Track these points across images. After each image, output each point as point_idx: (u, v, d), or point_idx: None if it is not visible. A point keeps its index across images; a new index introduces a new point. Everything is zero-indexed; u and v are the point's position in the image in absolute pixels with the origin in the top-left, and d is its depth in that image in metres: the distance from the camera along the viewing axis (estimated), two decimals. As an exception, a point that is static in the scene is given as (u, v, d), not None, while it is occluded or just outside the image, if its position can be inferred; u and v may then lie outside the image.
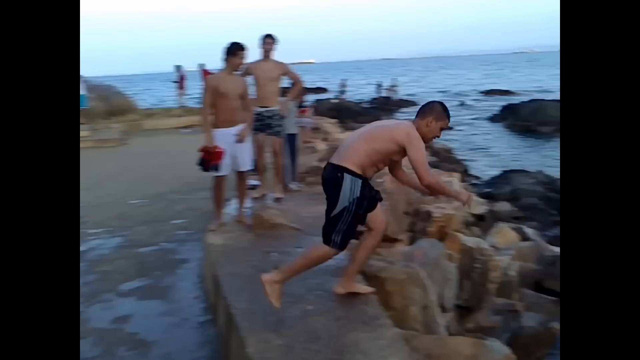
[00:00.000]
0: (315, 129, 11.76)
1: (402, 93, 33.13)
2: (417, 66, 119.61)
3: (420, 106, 3.23)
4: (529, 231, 7.58)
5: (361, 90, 38.10)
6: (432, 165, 10.19)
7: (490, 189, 10.24)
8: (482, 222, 7.55)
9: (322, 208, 5.43)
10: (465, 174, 11.54)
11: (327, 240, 3.00)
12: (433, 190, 3.09)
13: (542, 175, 11.06)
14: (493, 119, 22.98)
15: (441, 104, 3.21)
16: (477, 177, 11.74)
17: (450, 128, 3.75)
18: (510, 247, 6.68)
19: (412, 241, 5.13)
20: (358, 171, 2.99)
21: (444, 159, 11.82)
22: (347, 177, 2.96)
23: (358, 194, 2.97)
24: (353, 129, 14.67)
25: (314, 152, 9.32)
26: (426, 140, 3.06)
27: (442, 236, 5.36)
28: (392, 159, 3.13)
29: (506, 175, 11.06)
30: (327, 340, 2.61)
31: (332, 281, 3.24)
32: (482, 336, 4.15)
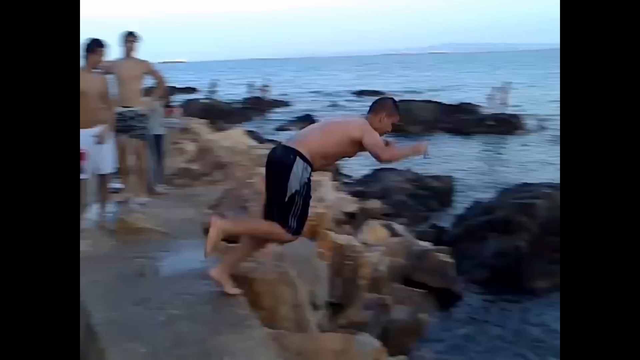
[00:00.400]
0: (184, 130, 11.50)
1: (274, 93, 33.48)
2: (290, 66, 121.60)
3: (372, 102, 3.46)
4: (398, 227, 8.08)
5: (233, 90, 37.88)
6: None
7: (362, 188, 10.74)
8: (353, 220, 7.90)
9: (191, 211, 5.41)
10: (336, 173, 11.99)
11: (283, 224, 3.07)
12: (392, 162, 3.37)
13: (410, 173, 11.82)
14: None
15: (392, 99, 3.44)
16: (348, 176, 12.25)
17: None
18: (380, 244, 7.08)
19: (283, 241, 5.25)
20: (309, 159, 3.08)
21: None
22: (299, 161, 3.05)
23: (306, 180, 3.08)
24: (224, 129, 14.56)
25: (183, 153, 9.12)
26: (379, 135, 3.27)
27: (313, 235, 5.55)
28: (346, 153, 3.29)
29: (376, 173, 11.66)
30: (193, 345, 2.61)
31: (199, 284, 3.23)
32: (353, 331, 4.39)
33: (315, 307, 4.51)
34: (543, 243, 7.63)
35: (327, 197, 7.05)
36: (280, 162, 3.11)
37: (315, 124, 3.46)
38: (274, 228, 3.11)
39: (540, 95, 33.37)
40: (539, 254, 7.42)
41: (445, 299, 6.60)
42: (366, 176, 11.85)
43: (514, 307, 6.72)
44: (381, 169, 11.90)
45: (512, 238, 7.49)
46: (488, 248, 7.54)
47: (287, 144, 3.17)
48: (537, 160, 15.32)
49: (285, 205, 3.06)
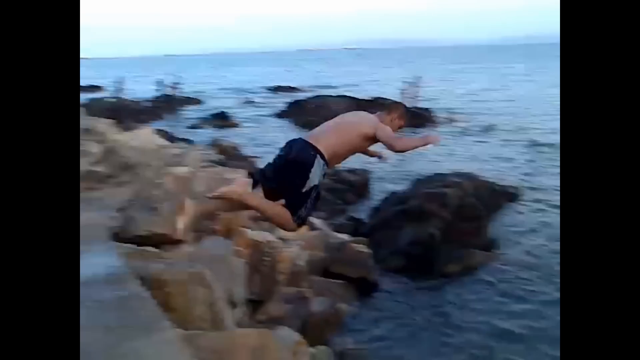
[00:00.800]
0: (88, 131, 10.97)
1: (186, 90, 32.69)
2: (202, 63, 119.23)
3: (386, 103, 3.78)
4: (316, 221, 8.17)
5: (141, 88, 36.60)
6: (219, 163, 10.33)
7: (279, 184, 10.76)
8: (270, 216, 7.91)
9: (95, 215, 5.17)
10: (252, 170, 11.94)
11: (292, 212, 3.14)
12: (405, 151, 3.44)
13: (326, 167, 11.98)
14: (280, 115, 24.12)
15: (405, 106, 3.78)
16: (266, 174, 12.23)
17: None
18: (298, 238, 7.13)
19: (197, 241, 5.16)
20: (326, 157, 3.22)
21: (232, 157, 12.04)
22: (319, 159, 3.17)
23: (322, 177, 3.22)
24: (132, 129, 14.04)
25: (87, 155, 8.69)
26: None
27: (229, 233, 5.50)
28: (358, 149, 3.48)
29: (294, 169, 11.71)
30: (100, 354, 2.50)
31: (104, 290, 3.10)
32: (272, 326, 4.40)
33: (233, 305, 4.47)
34: (455, 229, 8.02)
35: (243, 194, 6.98)
36: (301, 156, 3.22)
37: (329, 122, 3.58)
38: (285, 215, 3.19)
39: (450, 90, 34.86)
40: (451, 240, 7.78)
41: (364, 288, 6.78)
42: (283, 172, 11.86)
43: (431, 292, 7.00)
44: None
45: (425, 226, 7.80)
46: (403, 237, 7.80)
47: (309, 140, 3.28)
48: (447, 152, 16.00)
49: (302, 196, 3.17)
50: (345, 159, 3.54)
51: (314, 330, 5.17)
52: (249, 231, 5.63)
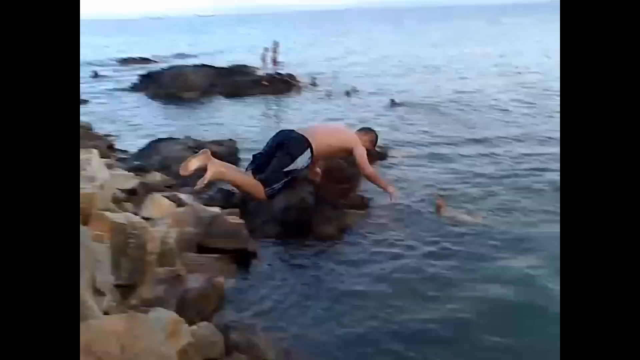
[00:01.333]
0: None
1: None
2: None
3: (362, 127, 4.35)
4: (184, 197, 7.98)
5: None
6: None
7: (140, 162, 10.28)
8: (133, 197, 7.57)
9: None
10: (109, 149, 11.26)
11: (267, 184, 3.56)
12: (369, 179, 4.05)
13: (190, 141, 11.65)
14: (133, 88, 22.88)
15: (377, 135, 4.33)
16: (124, 152, 11.60)
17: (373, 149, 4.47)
18: (166, 216, 6.92)
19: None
20: (315, 155, 3.74)
21: (82, 136, 11.21)
22: (309, 152, 3.66)
23: (303, 169, 3.75)
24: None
25: None
26: None
27: (85, 218, 5.16)
28: (338, 156, 4.18)
29: (154, 145, 11.24)
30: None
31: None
32: (144, 309, 4.26)
33: (99, 293, 4.25)
34: (326, 192, 8.26)
35: (99, 176, 6.55)
36: (296, 141, 3.67)
37: (321, 127, 4.16)
38: (258, 187, 3.59)
39: (312, 54, 35.39)
40: (323, 203, 8.02)
41: (243, 260, 6.78)
42: (143, 149, 11.35)
43: (310, 257, 7.17)
44: (159, 140, 11.53)
45: (297, 191, 7.93)
46: (276, 204, 7.87)
47: (304, 134, 3.73)
48: (312, 116, 16.33)
49: (281, 174, 3.60)
50: (322, 162, 4.11)
51: (192, 308, 5.09)
52: (108, 214, 5.32)
